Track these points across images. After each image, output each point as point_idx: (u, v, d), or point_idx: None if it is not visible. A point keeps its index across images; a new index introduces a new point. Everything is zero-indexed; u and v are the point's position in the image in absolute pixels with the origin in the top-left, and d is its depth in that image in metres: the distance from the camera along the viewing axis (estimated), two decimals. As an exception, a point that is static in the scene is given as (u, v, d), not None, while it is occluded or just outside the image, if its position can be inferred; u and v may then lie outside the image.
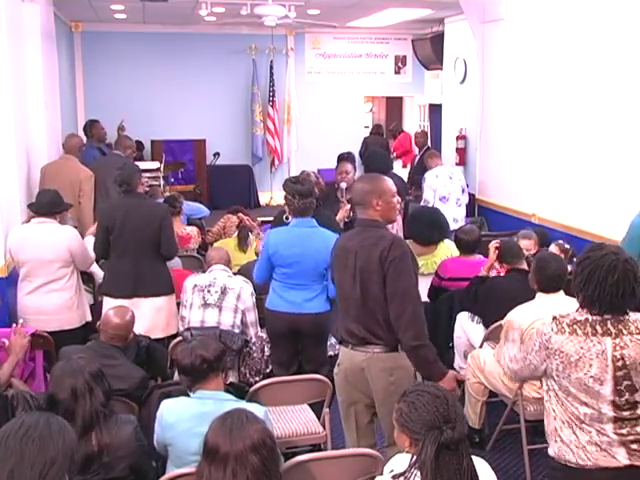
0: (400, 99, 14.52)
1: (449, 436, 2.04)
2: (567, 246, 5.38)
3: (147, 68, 11.63)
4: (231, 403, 2.90)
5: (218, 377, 3.07)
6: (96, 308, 4.85)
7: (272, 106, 12.04)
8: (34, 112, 6.35)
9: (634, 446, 2.45)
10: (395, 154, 11.78)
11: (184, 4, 9.00)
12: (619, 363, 2.42)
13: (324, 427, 3.70)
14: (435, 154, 7.87)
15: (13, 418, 2.10)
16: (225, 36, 11.67)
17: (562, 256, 5.31)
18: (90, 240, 4.98)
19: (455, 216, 7.01)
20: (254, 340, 4.45)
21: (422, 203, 7.26)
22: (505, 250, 4.60)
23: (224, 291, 4.35)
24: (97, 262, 5.13)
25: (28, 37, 6.30)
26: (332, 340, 4.72)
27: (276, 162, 12.30)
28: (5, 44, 5.12)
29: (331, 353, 4.70)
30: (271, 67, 11.96)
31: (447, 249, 5.45)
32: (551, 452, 2.61)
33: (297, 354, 4.37)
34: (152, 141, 11.46)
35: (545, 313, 3.07)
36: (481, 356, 4.17)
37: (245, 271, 5.12)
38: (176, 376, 3.71)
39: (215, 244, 6.19)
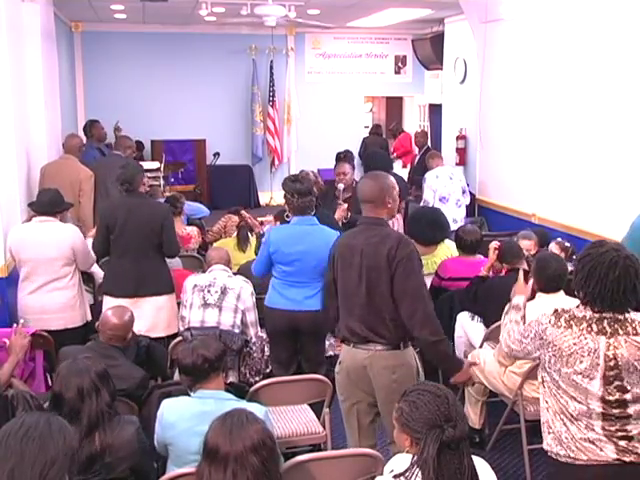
0: (400, 99, 14.52)
1: (450, 435, 2.04)
2: (567, 244, 5.38)
3: (147, 68, 11.63)
4: (232, 403, 2.91)
5: (219, 377, 3.08)
6: (96, 308, 4.85)
7: (272, 106, 12.04)
8: (34, 112, 6.35)
9: (622, 443, 2.45)
10: (395, 154, 11.78)
11: (184, 4, 9.00)
12: (611, 363, 2.42)
13: (324, 427, 3.70)
14: (436, 154, 7.87)
15: (13, 418, 2.09)
16: (225, 36, 11.67)
17: (562, 254, 5.32)
18: (91, 242, 4.99)
19: (455, 217, 7.01)
20: (254, 340, 4.45)
21: (422, 203, 7.26)
22: (505, 250, 4.60)
23: (224, 291, 4.35)
24: (97, 262, 5.14)
25: (28, 37, 6.30)
26: (332, 340, 4.72)
27: (276, 162, 12.30)
28: (5, 44, 5.12)
29: (331, 353, 4.70)
30: (271, 67, 11.96)
31: (447, 249, 5.46)
32: (544, 445, 2.63)
33: (296, 353, 4.37)
34: (152, 141, 11.47)
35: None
36: (481, 356, 4.17)
37: (245, 271, 5.12)
38: (176, 376, 3.71)
39: (214, 244, 6.19)
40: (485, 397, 4.27)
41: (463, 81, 9.26)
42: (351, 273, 3.21)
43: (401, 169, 11.61)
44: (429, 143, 10.22)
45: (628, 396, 2.43)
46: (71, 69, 10.99)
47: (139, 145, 10.45)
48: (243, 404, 2.95)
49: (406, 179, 8.41)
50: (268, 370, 4.45)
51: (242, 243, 6.04)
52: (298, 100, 12.21)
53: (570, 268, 4.08)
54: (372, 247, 3.16)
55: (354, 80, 12.61)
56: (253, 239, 6.07)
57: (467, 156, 9.10)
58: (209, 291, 4.36)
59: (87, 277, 5.25)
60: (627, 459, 2.45)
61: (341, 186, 5.77)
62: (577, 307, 2.55)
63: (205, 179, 11.78)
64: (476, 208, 8.31)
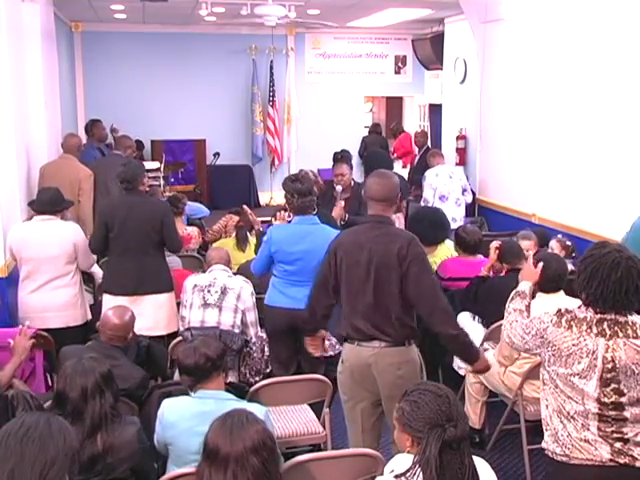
0: (400, 99, 14.52)
1: (452, 434, 2.05)
2: (568, 243, 5.39)
3: (147, 68, 11.63)
4: (232, 403, 2.91)
5: (220, 376, 3.08)
6: (96, 308, 4.85)
7: (272, 106, 12.05)
8: (34, 112, 6.36)
9: (618, 444, 2.45)
10: (396, 155, 11.77)
11: (184, 4, 9.00)
12: (609, 365, 2.42)
13: (324, 427, 3.70)
14: (438, 153, 7.86)
15: (13, 418, 2.09)
16: (225, 36, 11.67)
17: (562, 252, 5.33)
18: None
19: (454, 216, 7.01)
20: (254, 340, 4.45)
21: (422, 202, 7.26)
22: (506, 250, 4.60)
23: (224, 291, 4.35)
24: (97, 262, 5.14)
25: (28, 37, 6.30)
26: (332, 340, 4.71)
27: (276, 162, 12.30)
28: (5, 44, 5.12)
29: (331, 353, 4.69)
30: (271, 67, 11.96)
31: (447, 249, 5.46)
32: (543, 443, 2.63)
33: (296, 353, 4.37)
34: (152, 141, 11.47)
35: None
36: (481, 356, 4.17)
37: (244, 270, 5.11)
38: (176, 376, 3.71)
39: (214, 244, 6.19)
40: (485, 397, 4.27)
41: (463, 81, 9.26)
42: (358, 271, 3.20)
43: (401, 169, 11.61)
44: (429, 143, 10.22)
45: (624, 399, 2.43)
46: (71, 69, 10.99)
47: (139, 144, 10.45)
48: (243, 404, 2.94)
49: (406, 179, 8.41)
50: (268, 370, 4.44)
51: (241, 243, 6.04)
52: (298, 100, 12.21)
53: (570, 267, 4.09)
54: (381, 245, 3.16)
55: (354, 80, 12.61)
56: (252, 239, 6.07)
57: (467, 156, 9.10)
58: (209, 291, 4.36)
59: (87, 277, 5.25)
60: (622, 461, 2.45)
61: (339, 188, 5.79)
62: (579, 308, 2.55)
63: (205, 179, 11.79)
64: (476, 208, 8.31)
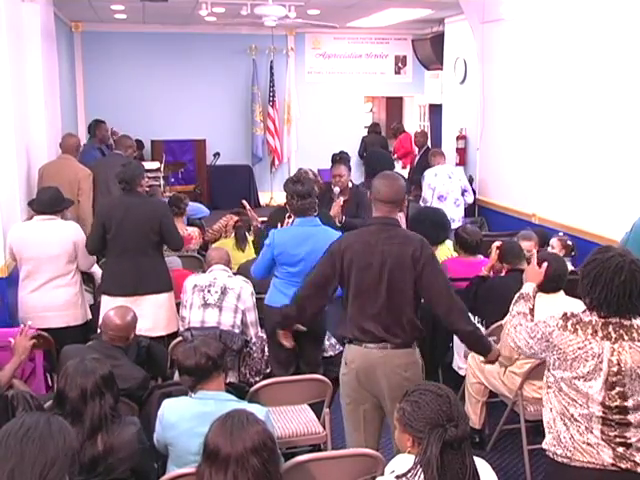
0: (400, 99, 14.52)
1: (453, 434, 2.05)
2: (569, 242, 5.39)
3: (147, 68, 11.63)
4: (232, 404, 2.90)
5: (220, 377, 3.07)
6: (96, 308, 4.85)
7: (272, 106, 12.05)
8: (34, 112, 6.36)
9: (620, 449, 2.44)
10: (396, 155, 11.76)
11: (184, 4, 9.00)
12: (614, 368, 2.41)
13: (324, 427, 3.70)
14: (439, 152, 7.85)
15: (13, 418, 2.09)
16: (225, 36, 11.67)
17: (562, 251, 5.33)
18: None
19: (452, 216, 7.00)
20: (254, 340, 4.45)
21: (421, 202, 7.25)
22: (506, 250, 4.60)
23: (224, 291, 4.35)
24: (97, 262, 5.14)
25: (28, 37, 6.30)
26: (332, 340, 4.71)
27: (276, 162, 12.31)
28: (5, 44, 5.12)
29: (331, 353, 4.70)
30: (271, 67, 11.97)
31: (447, 249, 5.46)
32: (544, 444, 2.63)
33: (295, 353, 4.36)
34: (152, 141, 11.47)
35: (545, 313, 3.07)
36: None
37: (244, 270, 5.11)
38: (176, 376, 3.71)
39: (214, 244, 6.19)
40: (485, 397, 4.27)
41: (463, 81, 9.26)
42: (370, 272, 3.20)
43: (401, 169, 11.60)
44: (429, 143, 10.22)
45: (629, 403, 2.42)
46: (71, 69, 10.99)
47: (139, 144, 10.44)
48: (244, 405, 2.94)
49: (406, 179, 8.41)
50: (268, 370, 4.44)
51: (240, 242, 6.04)
52: (298, 100, 12.21)
53: (570, 266, 4.09)
54: (395, 247, 3.18)
55: (354, 80, 12.61)
56: (251, 237, 6.06)
57: (467, 156, 9.11)
58: (209, 291, 4.36)
59: (87, 277, 5.25)
60: (624, 466, 2.44)
61: (337, 189, 5.79)
62: (584, 312, 2.54)
63: (205, 179, 11.79)
64: (476, 208, 8.31)
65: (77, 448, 1.90)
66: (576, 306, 3.71)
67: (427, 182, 7.27)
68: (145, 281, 4.60)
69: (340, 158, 7.44)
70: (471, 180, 8.38)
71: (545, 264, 3.14)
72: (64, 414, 2.60)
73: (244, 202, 5.93)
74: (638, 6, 5.62)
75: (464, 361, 4.56)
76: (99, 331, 3.95)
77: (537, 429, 4.00)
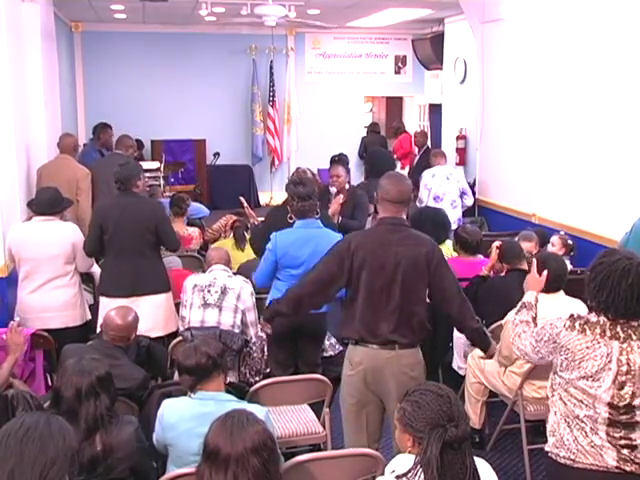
0: (400, 99, 14.50)
1: (453, 434, 2.05)
2: (570, 241, 5.38)
3: (147, 68, 11.63)
4: (232, 404, 2.90)
5: (220, 377, 3.07)
6: (96, 308, 4.85)
7: (272, 106, 12.05)
8: (34, 112, 6.36)
9: (625, 451, 2.44)
10: (395, 156, 11.75)
11: (184, 4, 9.01)
12: (623, 368, 2.41)
13: (324, 427, 3.70)
14: (440, 153, 7.83)
15: (13, 418, 2.09)
16: (225, 36, 11.67)
17: (563, 249, 5.33)
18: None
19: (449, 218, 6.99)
20: (254, 340, 4.44)
21: (417, 202, 7.24)
22: (506, 250, 4.60)
23: (224, 291, 4.35)
24: (97, 262, 5.13)
25: (28, 37, 6.30)
26: (332, 340, 4.71)
27: (276, 162, 12.31)
28: (5, 44, 5.12)
29: (331, 353, 4.69)
30: (271, 67, 11.97)
31: (448, 250, 5.45)
32: (546, 446, 2.63)
33: (295, 354, 4.36)
34: (152, 141, 11.47)
35: (545, 313, 3.08)
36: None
37: (244, 270, 5.12)
38: (176, 376, 3.71)
39: (213, 244, 6.19)
40: (485, 397, 4.27)
41: (463, 81, 9.26)
42: (383, 273, 3.20)
43: (400, 170, 11.60)
44: (429, 143, 10.21)
45: (636, 402, 2.42)
46: (71, 69, 10.99)
47: (139, 144, 10.42)
48: (244, 405, 2.94)
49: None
50: (268, 370, 4.44)
51: (240, 242, 6.05)
52: (298, 100, 12.21)
53: (569, 266, 4.09)
54: (409, 248, 3.21)
55: (354, 80, 12.61)
56: (249, 236, 6.06)
57: (467, 156, 9.10)
58: (209, 291, 4.35)
59: (87, 277, 5.24)
60: (628, 468, 2.44)
61: (334, 190, 5.79)
62: (590, 314, 2.54)
63: (205, 179, 11.79)
64: (476, 208, 8.31)
65: (77, 448, 1.90)
66: (576, 305, 3.73)
67: (424, 182, 7.28)
68: (143, 282, 4.59)
69: (339, 159, 7.44)
70: (473, 184, 8.35)
71: (545, 272, 3.13)
72: (60, 413, 2.60)
73: (242, 199, 5.91)
74: (638, 6, 5.62)
75: (464, 361, 4.56)
76: (99, 331, 3.95)
77: (537, 429, 4.01)
